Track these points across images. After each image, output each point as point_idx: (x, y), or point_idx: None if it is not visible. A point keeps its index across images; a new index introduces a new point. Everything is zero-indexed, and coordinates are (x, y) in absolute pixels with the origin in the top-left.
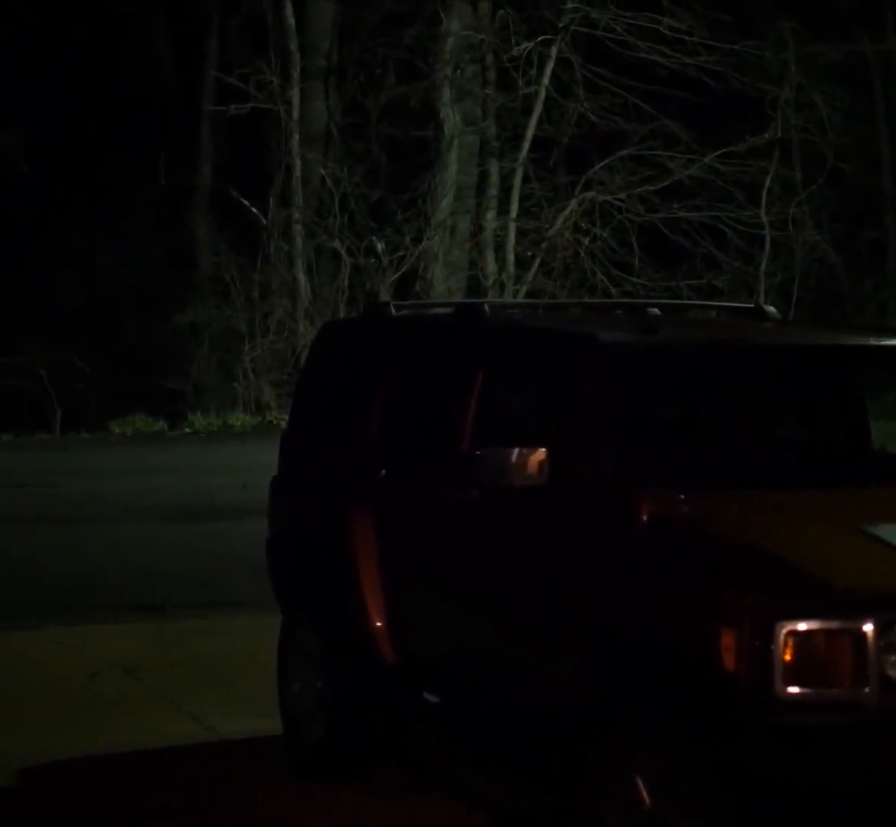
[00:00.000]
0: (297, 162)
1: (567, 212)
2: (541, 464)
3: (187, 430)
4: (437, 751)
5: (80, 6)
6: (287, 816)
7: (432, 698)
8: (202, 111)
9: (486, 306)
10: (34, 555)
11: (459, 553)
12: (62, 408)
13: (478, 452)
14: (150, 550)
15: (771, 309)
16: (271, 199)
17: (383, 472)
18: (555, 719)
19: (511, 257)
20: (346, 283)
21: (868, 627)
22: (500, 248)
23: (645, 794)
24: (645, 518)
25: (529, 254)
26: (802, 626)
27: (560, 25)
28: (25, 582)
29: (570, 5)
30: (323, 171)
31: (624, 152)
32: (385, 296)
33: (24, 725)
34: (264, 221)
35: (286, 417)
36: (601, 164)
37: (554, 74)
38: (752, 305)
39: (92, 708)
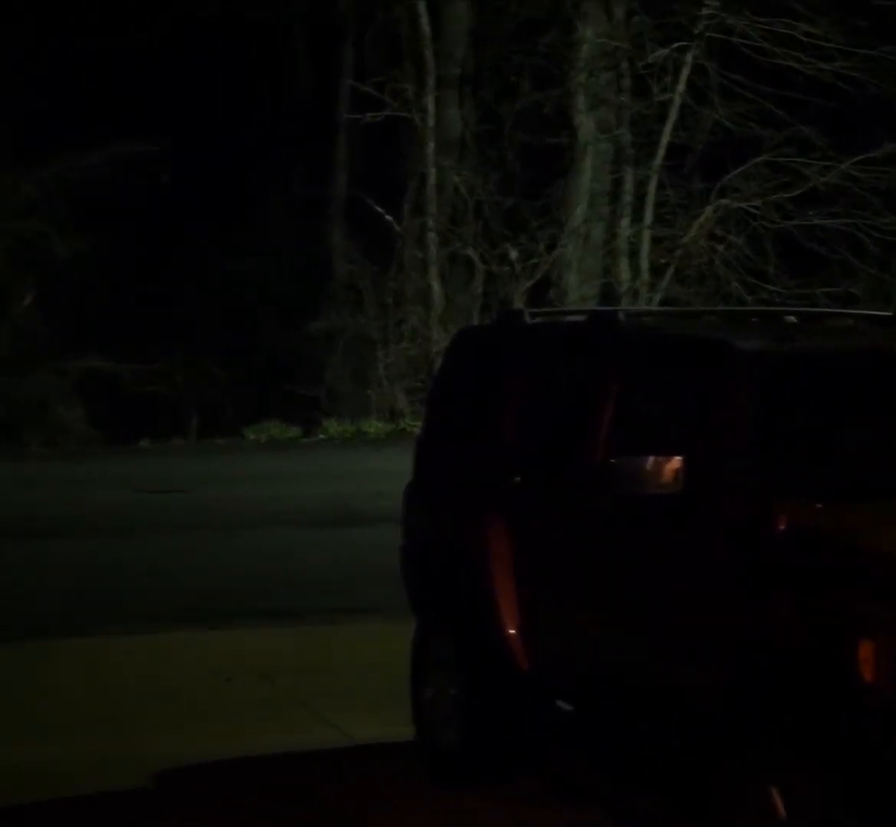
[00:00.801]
0: (432, 170)
1: (702, 219)
2: (676, 472)
3: (321, 436)
4: (570, 760)
5: (219, 17)
6: (419, 822)
7: (566, 707)
8: (338, 120)
9: (620, 314)
10: (171, 560)
11: (593, 562)
12: (198, 414)
13: (612, 460)
14: (285, 556)
15: None
16: (405, 207)
17: (517, 479)
18: (690, 731)
19: (645, 265)
20: (479, 290)
21: None
22: (634, 255)
23: (780, 806)
24: (782, 527)
25: (663, 261)
26: None
27: (695, 32)
28: (163, 586)
29: (705, 12)
30: (457, 179)
31: (759, 159)
32: (518, 303)
33: (162, 728)
34: (398, 229)
35: (420, 423)
36: (736, 172)
37: (689, 81)
38: (890, 313)
39: (227, 711)
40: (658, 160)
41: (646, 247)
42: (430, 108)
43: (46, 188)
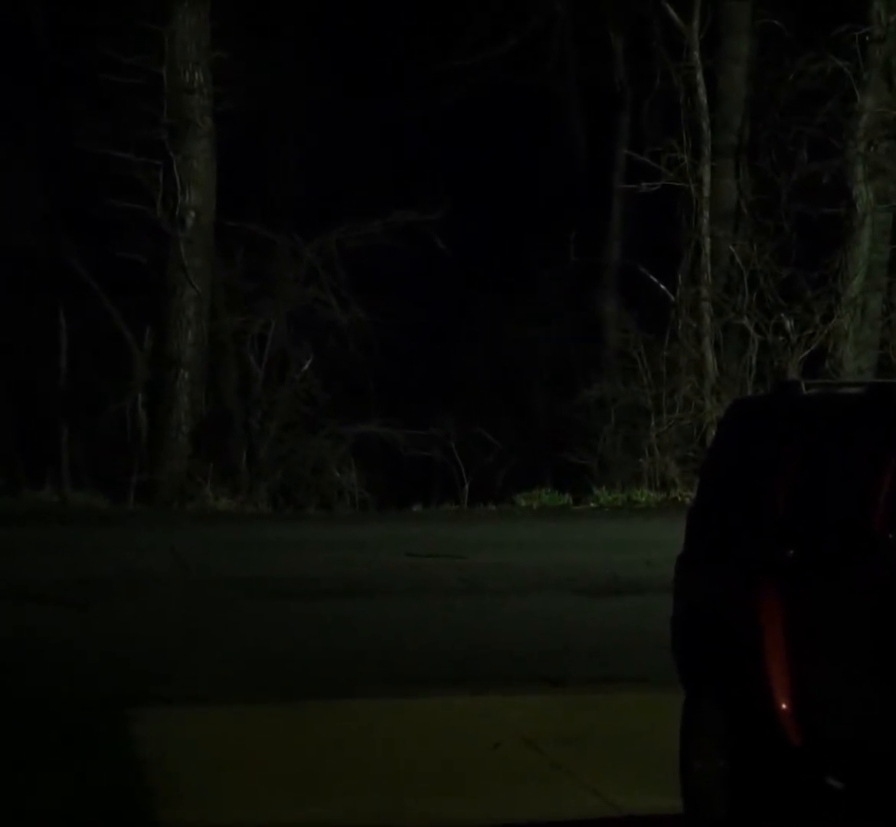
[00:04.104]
0: (707, 239)
1: None
2: None
3: (592, 504)
4: None
5: (495, 85)
6: None
7: (836, 783)
8: (613, 188)
9: None
10: (440, 624)
11: (871, 635)
12: (470, 480)
13: (891, 535)
14: (553, 623)
15: None
16: (680, 276)
17: (791, 551)
18: None
19: None
20: (753, 360)
21: None
22: None
23: None
24: None
25: None
26: None
27: None
28: (430, 650)
29: None
30: (732, 248)
31: None
32: (793, 374)
33: (430, 792)
34: (672, 298)
35: (691, 494)
36: None
37: None
38: None
39: (495, 777)
40: None
41: None
42: (706, 178)
43: (326, 256)
